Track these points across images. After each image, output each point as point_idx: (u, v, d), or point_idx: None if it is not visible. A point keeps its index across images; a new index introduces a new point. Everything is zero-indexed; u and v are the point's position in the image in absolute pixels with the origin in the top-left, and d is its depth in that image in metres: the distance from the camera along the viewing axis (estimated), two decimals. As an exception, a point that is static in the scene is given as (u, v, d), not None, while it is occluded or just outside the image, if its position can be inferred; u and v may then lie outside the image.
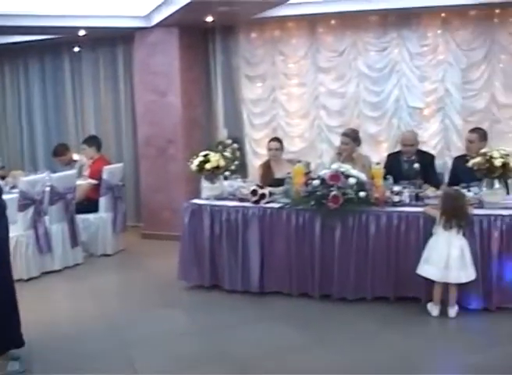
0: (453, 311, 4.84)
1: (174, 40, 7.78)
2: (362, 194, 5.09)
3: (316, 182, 5.21)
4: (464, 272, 4.73)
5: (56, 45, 9.15)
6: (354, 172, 5.29)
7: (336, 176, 5.19)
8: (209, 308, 5.25)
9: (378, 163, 5.65)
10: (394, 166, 5.88)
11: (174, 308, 5.28)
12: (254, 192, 5.48)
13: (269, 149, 6.63)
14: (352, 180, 5.16)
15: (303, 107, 8.10)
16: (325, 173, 5.28)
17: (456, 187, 5.25)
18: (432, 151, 6.91)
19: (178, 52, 7.79)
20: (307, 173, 5.53)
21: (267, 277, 5.43)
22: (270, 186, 5.67)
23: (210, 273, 5.61)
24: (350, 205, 5.06)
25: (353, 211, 5.07)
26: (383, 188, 5.25)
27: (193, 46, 8.09)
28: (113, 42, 8.85)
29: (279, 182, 5.86)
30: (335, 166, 5.36)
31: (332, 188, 5.11)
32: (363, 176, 5.28)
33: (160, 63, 7.86)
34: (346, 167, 5.31)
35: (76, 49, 9.05)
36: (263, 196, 5.47)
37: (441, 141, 7.55)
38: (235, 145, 7.98)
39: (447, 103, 7.53)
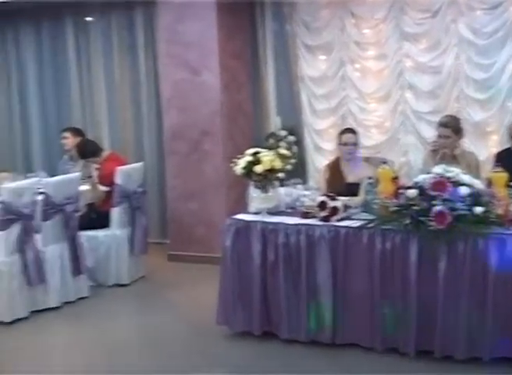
0: None
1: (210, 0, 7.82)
2: (479, 209, 4.80)
3: (412, 192, 4.92)
4: None
5: (56, 7, 9.28)
6: (467, 178, 5.01)
7: (441, 183, 4.88)
8: (262, 366, 5.02)
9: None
10: (508, 168, 5.51)
11: (212, 368, 5.05)
12: (322, 205, 5.26)
13: (342, 144, 6.51)
14: (465, 190, 4.88)
15: (382, 87, 7.92)
16: (424, 179, 5.01)
17: None
18: None
19: (215, 17, 7.73)
20: (396, 179, 5.25)
21: (341, 324, 5.24)
22: (339, 195, 5.51)
23: (261, 316, 5.44)
24: (461, 225, 4.78)
25: (467, 233, 4.77)
26: (508, 201, 4.92)
27: (236, 9, 8.03)
28: (129, 4, 8.92)
29: (353, 190, 5.87)
30: (438, 169, 5.07)
31: (435, 201, 4.83)
32: (479, 185, 5.02)
33: (192, 31, 7.84)
34: (455, 171, 5.04)
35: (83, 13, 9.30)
36: (335, 210, 5.24)
37: None
38: (291, 138, 7.53)
39: None
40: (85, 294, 6.72)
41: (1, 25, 9.80)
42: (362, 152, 6.78)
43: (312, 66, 8.14)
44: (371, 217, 5.12)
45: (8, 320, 5.97)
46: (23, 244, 6.12)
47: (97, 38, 9.22)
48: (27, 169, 8.95)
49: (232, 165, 5.52)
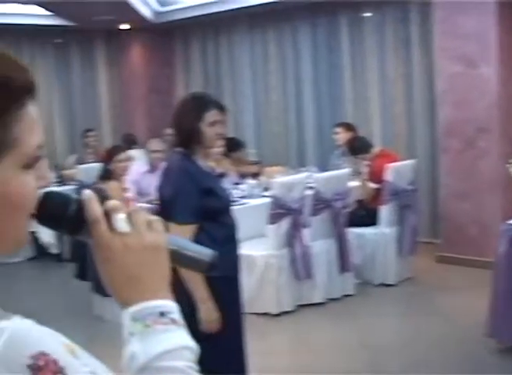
0: None
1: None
2: None
3: None
4: None
5: (332, 4, 9.39)
6: None
7: None
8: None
9: None
10: None
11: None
12: None
13: None
14: None
15: None
16: None
17: None
18: None
19: (495, 9, 7.33)
20: None
21: None
22: None
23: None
24: None
25: None
26: None
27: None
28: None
29: None
30: None
31: None
32: None
33: (470, 23, 7.50)
34: None
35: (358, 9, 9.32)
36: None
37: None
38: None
39: None
40: (350, 291, 6.67)
41: (279, 23, 10.06)
42: None
43: None
44: None
45: (275, 312, 6.09)
46: (291, 238, 6.20)
47: (371, 33, 9.20)
48: (300, 164, 9.13)
49: (508, 165, 5.19)
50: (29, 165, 0.93)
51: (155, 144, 7.56)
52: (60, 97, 11.10)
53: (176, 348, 1.00)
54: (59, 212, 1.01)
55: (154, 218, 1.09)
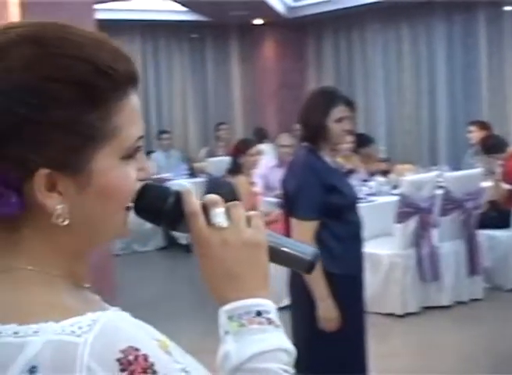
0: None
1: None
2: None
3: None
4: None
5: (468, 2, 9.25)
6: None
7: None
8: None
9: None
10: None
11: None
12: None
13: None
14: None
15: None
16: None
17: None
18: None
19: None
20: None
21: None
22: None
23: None
24: None
25: None
26: None
27: None
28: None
29: None
30: None
31: None
32: None
33: None
34: None
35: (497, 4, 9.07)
36: None
37: None
38: None
39: None
40: (479, 295, 6.45)
41: (413, 20, 9.95)
42: None
43: None
44: None
45: (400, 313, 5.99)
46: (419, 238, 6.07)
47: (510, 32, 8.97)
48: (432, 163, 8.97)
49: None
50: (128, 156, 0.92)
51: (284, 139, 7.57)
52: (194, 91, 11.35)
53: (271, 349, 0.96)
54: (157, 205, 1.00)
55: (255, 213, 1.04)
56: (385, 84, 10.38)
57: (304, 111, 3.36)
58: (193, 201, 1.00)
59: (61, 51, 0.86)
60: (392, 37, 10.26)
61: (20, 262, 0.88)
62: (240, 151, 6.24)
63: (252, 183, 6.38)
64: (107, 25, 8.92)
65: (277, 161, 7.52)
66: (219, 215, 1.00)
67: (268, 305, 1.00)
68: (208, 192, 5.77)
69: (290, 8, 10.38)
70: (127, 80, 0.91)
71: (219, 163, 7.68)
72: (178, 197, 1.01)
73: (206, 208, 1.01)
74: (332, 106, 3.22)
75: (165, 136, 9.81)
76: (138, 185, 0.97)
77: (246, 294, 1.00)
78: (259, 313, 0.99)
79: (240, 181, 6.07)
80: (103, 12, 8.86)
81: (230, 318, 0.98)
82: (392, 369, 4.71)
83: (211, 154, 9.22)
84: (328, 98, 3.29)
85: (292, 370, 0.98)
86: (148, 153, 9.88)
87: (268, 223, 5.75)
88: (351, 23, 10.63)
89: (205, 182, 7.87)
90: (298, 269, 1.10)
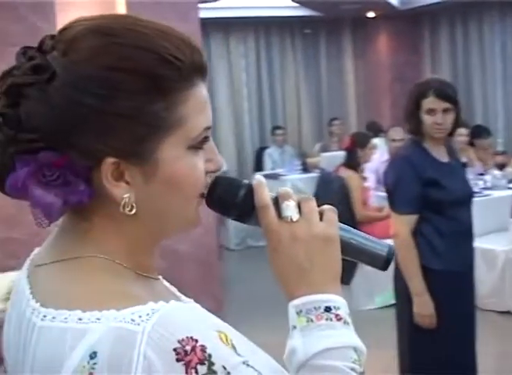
0: None
1: None
2: None
3: None
4: None
5: None
6: None
7: None
8: None
9: None
10: None
11: None
12: None
13: None
14: None
15: None
16: None
17: None
18: None
19: None
20: None
21: None
22: None
23: None
24: None
25: None
26: None
27: None
28: None
29: None
30: None
31: None
32: None
33: None
34: None
35: None
36: None
37: None
38: None
39: None
40: None
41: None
42: None
43: None
44: None
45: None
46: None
47: None
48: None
49: None
50: (195, 146, 0.91)
51: (396, 133, 7.42)
52: (308, 86, 11.24)
53: (338, 346, 0.93)
54: (229, 197, 0.99)
55: (327, 207, 1.01)
56: (504, 76, 9.97)
57: (406, 102, 3.30)
58: (265, 194, 0.98)
59: (125, 41, 0.86)
60: (511, 28, 9.85)
61: (89, 250, 0.90)
62: (356, 144, 6.16)
63: (364, 178, 6.29)
64: (215, 23, 9.03)
65: (388, 155, 7.39)
66: (290, 208, 0.98)
67: (338, 301, 0.98)
68: (319, 187, 5.77)
69: (404, 0, 10.15)
70: (193, 70, 0.90)
71: (332, 158, 7.60)
72: (249, 189, 1.00)
73: (278, 202, 0.99)
74: (422, 97, 3.15)
75: (278, 132, 9.80)
76: (208, 177, 0.96)
77: (315, 289, 0.97)
78: (328, 309, 0.96)
79: (351, 176, 5.99)
80: (213, 11, 8.99)
81: (298, 313, 0.96)
82: (508, 369, 4.53)
83: (325, 149, 9.14)
84: (419, 89, 3.21)
85: (360, 369, 0.94)
86: (263, 149, 9.95)
87: (380, 219, 5.69)
88: (468, 14, 10.25)
89: (317, 177, 7.84)
90: (373, 265, 1.06)
